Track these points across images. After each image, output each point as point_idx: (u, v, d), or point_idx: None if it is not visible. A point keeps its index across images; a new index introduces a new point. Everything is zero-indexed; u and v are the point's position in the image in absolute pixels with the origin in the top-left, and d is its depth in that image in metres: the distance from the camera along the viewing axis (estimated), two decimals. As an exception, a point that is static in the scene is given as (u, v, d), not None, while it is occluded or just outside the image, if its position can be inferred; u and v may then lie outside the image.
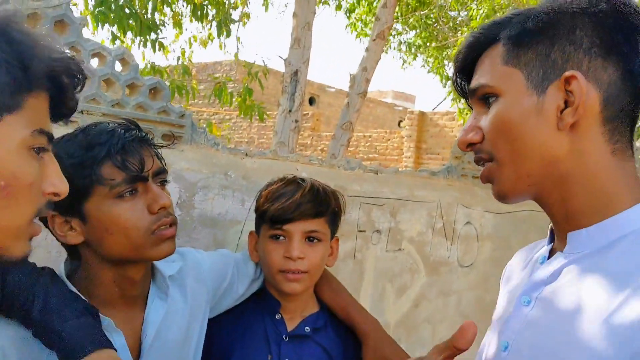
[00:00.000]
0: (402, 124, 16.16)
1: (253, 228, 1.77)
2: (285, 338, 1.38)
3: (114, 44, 4.72)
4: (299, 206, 1.33)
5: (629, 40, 0.77)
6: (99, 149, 1.05)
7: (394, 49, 10.55)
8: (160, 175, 1.14)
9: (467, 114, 9.18)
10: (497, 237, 2.62)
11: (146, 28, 4.20)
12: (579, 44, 0.78)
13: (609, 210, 0.78)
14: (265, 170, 1.80)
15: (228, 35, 5.00)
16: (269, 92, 13.37)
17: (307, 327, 1.40)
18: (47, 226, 1.09)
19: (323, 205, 1.36)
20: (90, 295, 1.12)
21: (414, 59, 10.92)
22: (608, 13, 0.78)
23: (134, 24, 3.96)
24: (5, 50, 0.67)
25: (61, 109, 0.78)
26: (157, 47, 4.82)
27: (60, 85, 0.75)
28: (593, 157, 0.79)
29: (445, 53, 9.59)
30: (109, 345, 1.00)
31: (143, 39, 4.35)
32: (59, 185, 0.77)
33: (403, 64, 11.03)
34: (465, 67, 0.90)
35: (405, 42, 10.33)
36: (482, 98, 0.86)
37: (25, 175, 0.71)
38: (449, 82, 9.02)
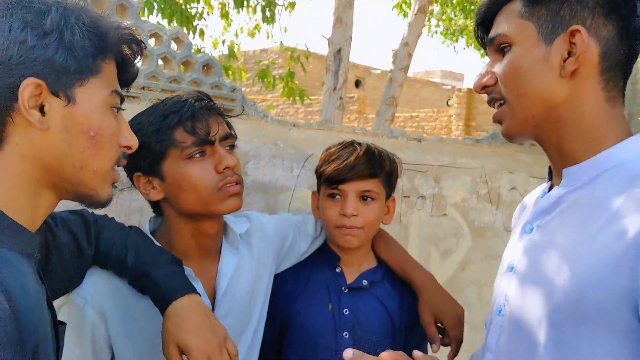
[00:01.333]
0: (450, 102, 15.96)
1: (302, 194, 1.88)
2: (345, 290, 1.50)
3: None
4: (353, 168, 1.42)
5: (628, 4, 0.89)
6: (173, 116, 1.20)
7: (437, 32, 10.48)
8: (228, 140, 1.28)
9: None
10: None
11: (185, 19, 4.41)
12: (585, 3, 0.89)
13: (597, 148, 0.91)
14: (311, 140, 1.90)
15: (273, 22, 5.14)
16: (313, 77, 13.47)
17: (365, 281, 1.51)
18: (134, 185, 1.27)
19: (377, 166, 1.45)
20: (171, 248, 1.27)
21: (456, 40, 10.85)
22: None
23: (177, 14, 4.17)
24: (87, 24, 0.80)
25: (125, 75, 0.90)
26: (197, 34, 5.01)
27: (125, 53, 0.88)
28: (588, 103, 0.91)
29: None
30: (195, 291, 1.14)
31: (186, 28, 4.58)
32: (131, 139, 0.90)
33: (450, 44, 10.96)
34: (486, 20, 1.02)
35: (444, 21, 10.23)
36: (498, 47, 0.97)
37: (108, 127, 0.85)
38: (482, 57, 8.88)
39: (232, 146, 1.31)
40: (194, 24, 4.67)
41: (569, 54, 0.89)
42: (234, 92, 1.77)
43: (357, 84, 20.47)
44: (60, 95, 0.78)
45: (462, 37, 10.72)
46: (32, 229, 0.82)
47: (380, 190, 1.48)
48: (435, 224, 2.24)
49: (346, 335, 1.46)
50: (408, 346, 1.53)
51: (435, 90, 22.45)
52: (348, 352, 0.90)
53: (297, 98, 5.25)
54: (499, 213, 2.47)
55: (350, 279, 1.52)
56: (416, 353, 0.91)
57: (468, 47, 11.05)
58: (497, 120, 1.00)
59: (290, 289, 1.53)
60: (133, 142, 0.91)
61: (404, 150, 2.15)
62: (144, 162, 1.21)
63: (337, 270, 1.52)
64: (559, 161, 0.96)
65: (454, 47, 10.87)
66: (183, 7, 4.40)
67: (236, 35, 6.69)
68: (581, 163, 0.92)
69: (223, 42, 6.05)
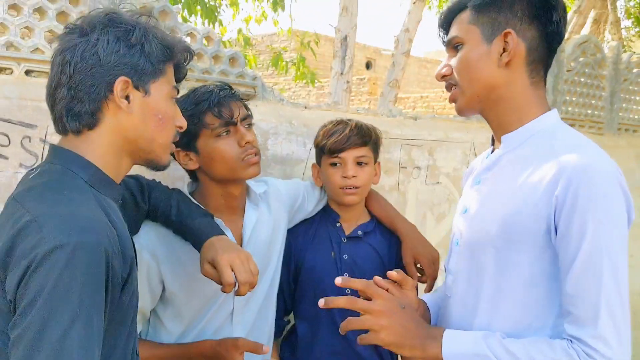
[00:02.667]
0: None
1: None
2: (344, 240, 1.85)
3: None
4: (349, 139, 1.77)
5: (546, 13, 1.21)
6: (203, 104, 1.55)
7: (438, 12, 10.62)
8: (247, 119, 1.62)
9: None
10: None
11: (210, 11, 4.74)
12: (515, 13, 1.22)
13: (525, 119, 1.24)
14: (321, 119, 2.24)
15: (282, 9, 5.44)
16: (324, 60, 13.67)
17: (360, 231, 1.85)
18: (175, 159, 1.59)
19: (366, 136, 1.80)
20: (205, 206, 1.62)
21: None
22: None
23: (200, 9, 4.52)
24: (159, 38, 1.14)
25: (179, 75, 1.24)
26: (217, 25, 5.35)
27: (182, 59, 1.22)
28: (518, 86, 1.23)
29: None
30: (224, 233, 1.49)
31: (209, 21, 4.91)
32: (182, 121, 1.23)
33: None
34: (444, 24, 1.34)
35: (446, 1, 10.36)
36: (454, 46, 1.29)
37: (171, 112, 1.19)
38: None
39: (250, 125, 1.65)
40: (216, 14, 5.00)
41: (504, 49, 1.21)
42: (255, 80, 2.11)
43: (368, 65, 20.47)
44: (140, 89, 1.11)
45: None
46: (117, 182, 1.18)
47: (370, 155, 1.82)
48: (430, 191, 2.57)
49: (346, 275, 1.81)
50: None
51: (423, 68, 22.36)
52: (337, 279, 1.24)
53: (308, 81, 5.57)
54: (488, 182, 2.80)
55: (348, 231, 1.86)
56: (390, 273, 1.26)
57: None
58: (452, 100, 1.32)
59: (300, 242, 1.88)
60: (184, 123, 1.24)
61: (401, 127, 2.49)
62: (181, 140, 1.46)
63: (337, 225, 1.87)
64: (498, 130, 1.29)
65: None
66: (207, 3, 4.74)
67: (246, 21, 6.99)
68: (514, 131, 1.25)
69: (239, 30, 6.38)
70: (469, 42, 1.25)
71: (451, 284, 1.35)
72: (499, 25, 1.22)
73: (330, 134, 1.81)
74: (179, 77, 1.24)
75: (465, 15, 1.27)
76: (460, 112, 1.32)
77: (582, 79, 3.29)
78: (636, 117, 3.63)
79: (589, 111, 3.35)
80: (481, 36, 1.23)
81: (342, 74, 3.95)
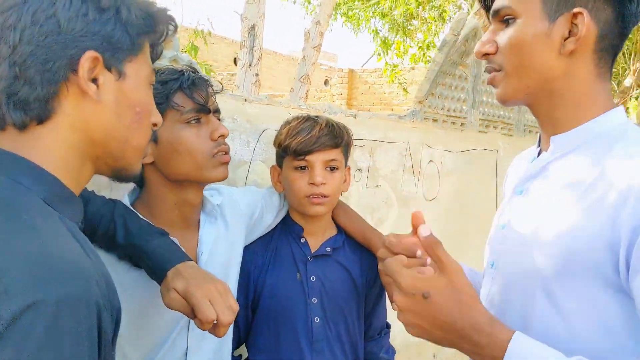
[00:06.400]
0: (331, 82, 16.34)
1: (258, 167, 1.93)
2: (310, 258, 1.58)
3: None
4: (318, 139, 1.50)
5: None
6: (172, 83, 1.24)
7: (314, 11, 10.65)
8: (218, 112, 1.31)
9: (392, 70, 9.47)
10: (455, 174, 2.91)
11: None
12: None
13: (583, 119, 1.00)
14: (265, 115, 1.95)
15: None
16: (220, 60, 13.18)
17: (328, 248, 1.60)
18: None
19: (338, 137, 1.55)
20: (152, 219, 1.28)
21: (334, 19, 11.09)
22: None
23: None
24: (138, 3, 0.82)
25: (153, 53, 0.91)
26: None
27: (161, 33, 0.89)
28: (581, 78, 0.99)
29: (372, 10, 9.77)
30: (189, 258, 1.17)
31: None
32: (157, 116, 0.92)
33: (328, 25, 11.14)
34: None
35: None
36: (503, 18, 1.02)
37: (150, 104, 0.88)
38: (376, 35, 9.20)
39: (220, 120, 1.35)
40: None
41: (569, 33, 0.96)
42: (191, 66, 1.77)
43: (236, 61, 20.13)
44: (113, 70, 0.80)
45: (340, 17, 10.94)
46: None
47: (341, 159, 1.58)
48: (371, 194, 2.39)
49: (314, 300, 1.55)
50: (367, 304, 1.66)
51: (314, 69, 22.75)
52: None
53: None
54: (420, 184, 2.69)
55: (314, 247, 1.60)
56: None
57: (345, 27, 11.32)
58: (492, 83, 1.08)
59: (260, 262, 1.59)
60: (159, 118, 0.93)
61: (342, 126, 2.27)
62: None
63: (302, 240, 1.60)
64: (549, 128, 1.05)
65: (331, 27, 11.08)
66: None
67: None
68: (568, 132, 1.01)
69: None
70: (525, 16, 0.99)
71: None
72: (567, 0, 0.96)
73: (295, 132, 1.53)
74: (153, 56, 0.92)
75: None
76: (504, 101, 1.07)
77: (496, 80, 3.31)
78: (538, 119, 3.76)
79: (502, 112, 3.39)
80: (542, 10, 0.98)
81: (250, 65, 3.64)
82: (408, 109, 2.76)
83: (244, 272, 1.53)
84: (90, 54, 0.76)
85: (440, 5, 7.63)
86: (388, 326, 1.74)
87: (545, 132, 1.08)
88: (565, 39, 0.97)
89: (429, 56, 8.97)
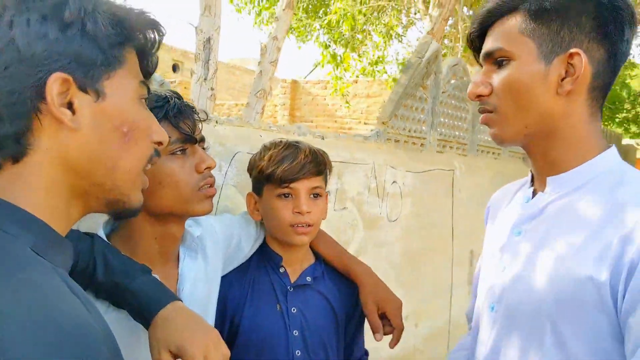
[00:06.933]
0: (274, 93, 16.27)
1: (229, 192, 1.85)
2: (290, 289, 1.53)
3: None
4: (304, 166, 1.46)
5: (618, 30, 0.97)
6: (157, 110, 1.15)
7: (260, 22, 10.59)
8: (202, 142, 1.24)
9: (337, 80, 9.50)
10: (415, 194, 2.92)
11: None
12: (583, 27, 0.96)
13: (582, 159, 1.01)
14: (235, 137, 1.88)
15: None
16: (159, 67, 12.79)
17: (308, 277, 1.55)
18: None
19: (321, 164, 1.51)
20: (131, 254, 1.19)
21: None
22: (606, 6, 0.98)
23: None
24: (107, 10, 0.73)
25: (145, 65, 0.82)
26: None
27: (147, 41, 0.80)
28: (577, 118, 1.00)
29: (320, 22, 9.81)
30: (177, 298, 1.09)
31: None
32: (162, 133, 0.82)
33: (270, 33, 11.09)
34: (483, 28, 1.07)
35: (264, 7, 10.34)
36: (496, 59, 1.02)
37: (142, 121, 0.78)
38: (325, 50, 9.24)
39: (205, 149, 1.29)
40: None
41: (566, 73, 0.97)
42: (162, 85, 1.68)
43: (175, 68, 19.72)
44: (89, 90, 0.71)
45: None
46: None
47: (323, 186, 1.55)
48: (338, 217, 2.36)
49: (296, 333, 1.50)
50: (347, 333, 1.62)
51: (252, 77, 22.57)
52: None
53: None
54: (384, 205, 2.68)
55: (294, 277, 1.55)
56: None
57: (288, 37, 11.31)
58: (485, 123, 1.07)
59: (237, 294, 1.52)
60: (164, 136, 0.83)
61: (311, 147, 2.22)
62: None
63: (281, 270, 1.55)
64: (545, 169, 1.05)
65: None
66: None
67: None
68: (568, 172, 1.01)
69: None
70: (521, 58, 0.99)
71: (484, 358, 1.10)
72: (562, 41, 0.97)
73: (278, 159, 1.48)
74: (147, 68, 0.83)
75: (515, 22, 1.00)
76: (502, 142, 1.06)
77: (453, 102, 3.38)
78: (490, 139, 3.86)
79: (457, 133, 3.45)
80: (537, 52, 0.98)
81: (205, 79, 3.53)
82: (372, 130, 2.75)
83: (220, 303, 1.46)
84: (56, 77, 0.67)
85: (388, 22, 7.74)
86: (366, 353, 1.71)
87: (540, 172, 1.08)
88: (562, 79, 0.98)
89: (378, 71, 9.09)
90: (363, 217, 2.53)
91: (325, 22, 8.14)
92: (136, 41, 0.78)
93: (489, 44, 1.05)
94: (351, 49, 8.53)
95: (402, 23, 8.52)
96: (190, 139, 1.20)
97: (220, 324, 1.47)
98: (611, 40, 0.98)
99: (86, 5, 0.71)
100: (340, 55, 8.39)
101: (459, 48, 5.54)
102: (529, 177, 1.16)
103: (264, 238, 1.60)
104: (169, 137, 1.15)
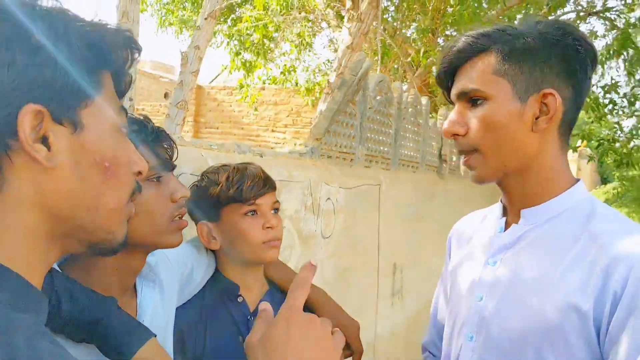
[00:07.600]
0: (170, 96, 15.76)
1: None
2: (250, 318, 1.46)
3: None
4: (265, 181, 1.45)
5: (582, 69, 1.03)
6: (133, 136, 1.04)
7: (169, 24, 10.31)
8: (174, 169, 1.16)
9: (247, 88, 9.41)
10: (347, 210, 2.94)
11: None
12: (552, 69, 1.02)
13: (553, 193, 1.06)
14: (180, 156, 1.78)
15: None
16: None
17: None
18: None
19: (273, 180, 1.50)
20: (87, 285, 1.09)
21: (180, 32, 10.85)
22: (571, 46, 1.03)
23: None
24: (80, 31, 0.66)
25: (119, 86, 0.75)
26: None
27: (122, 61, 0.73)
28: (549, 154, 1.05)
29: (230, 30, 9.65)
30: (151, 333, 1.02)
31: None
32: (141, 163, 0.75)
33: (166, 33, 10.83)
34: (452, 67, 1.10)
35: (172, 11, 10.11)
36: (470, 99, 1.05)
37: (122, 154, 0.70)
38: (236, 57, 9.11)
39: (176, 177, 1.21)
40: None
41: (540, 111, 1.02)
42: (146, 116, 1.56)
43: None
44: (65, 122, 0.63)
45: (187, 30, 10.67)
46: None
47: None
48: (278, 236, 2.30)
49: None
50: None
51: (153, 81, 21.80)
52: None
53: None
54: (319, 222, 2.67)
55: (252, 305, 1.49)
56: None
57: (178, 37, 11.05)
58: (468, 165, 1.09)
59: (195, 326, 1.44)
60: (143, 166, 0.75)
61: (251, 166, 2.16)
62: None
63: (239, 299, 1.49)
64: (519, 202, 1.09)
65: (176, 35, 10.77)
66: None
67: None
68: (541, 205, 1.06)
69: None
70: (497, 98, 1.02)
71: None
72: (535, 81, 1.01)
73: (239, 178, 1.44)
74: (121, 89, 0.75)
75: (489, 62, 1.03)
76: (482, 181, 1.09)
77: (378, 117, 3.44)
78: (410, 153, 3.98)
79: (382, 147, 3.52)
80: (512, 92, 1.01)
81: (124, 89, 3.33)
82: (307, 147, 2.73)
83: (177, 335, 1.37)
84: (28, 109, 0.59)
85: (301, 33, 7.78)
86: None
87: (513, 205, 1.12)
88: (537, 118, 1.02)
89: (288, 80, 9.08)
90: (300, 235, 2.50)
91: (236, 30, 8.03)
92: (113, 64, 0.70)
93: (462, 84, 1.07)
94: (262, 57, 8.48)
95: (312, 34, 8.59)
96: (168, 166, 1.13)
97: (180, 351, 1.38)
98: (577, 79, 1.03)
99: (57, 26, 0.63)
100: (250, 62, 8.31)
101: (377, 62, 5.68)
102: (495, 208, 1.20)
103: (215, 266, 1.53)
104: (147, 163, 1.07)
